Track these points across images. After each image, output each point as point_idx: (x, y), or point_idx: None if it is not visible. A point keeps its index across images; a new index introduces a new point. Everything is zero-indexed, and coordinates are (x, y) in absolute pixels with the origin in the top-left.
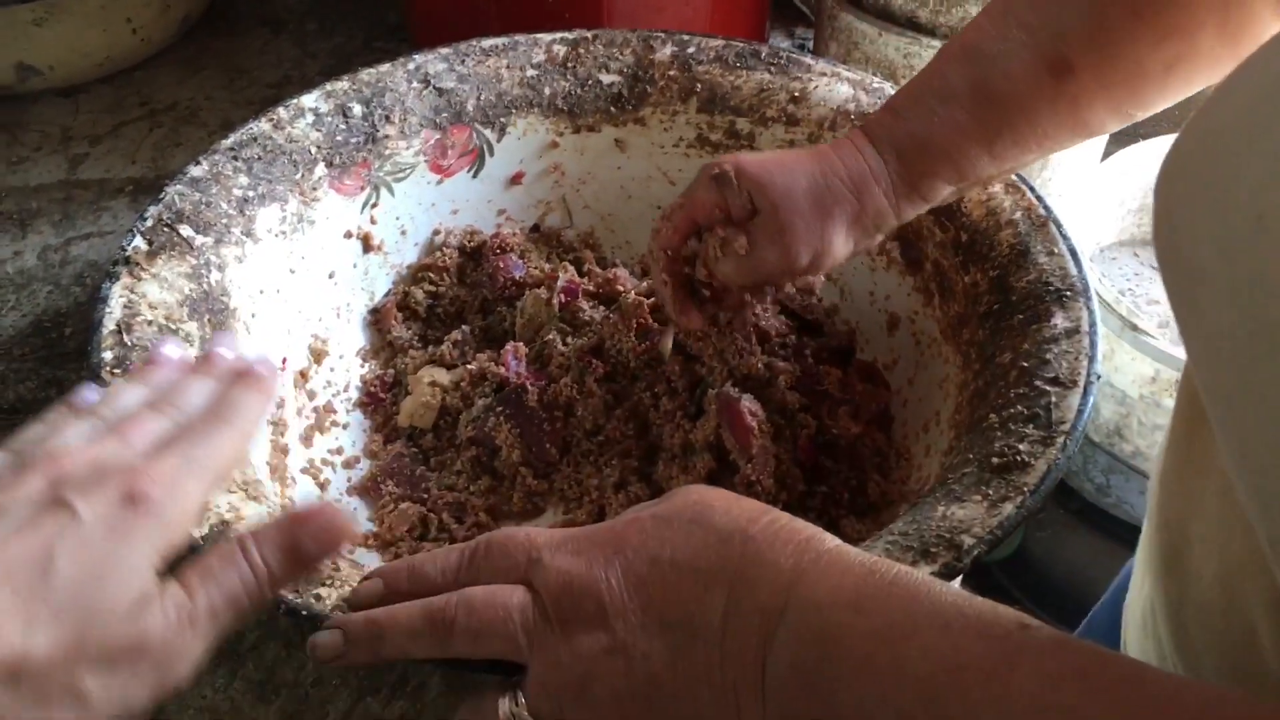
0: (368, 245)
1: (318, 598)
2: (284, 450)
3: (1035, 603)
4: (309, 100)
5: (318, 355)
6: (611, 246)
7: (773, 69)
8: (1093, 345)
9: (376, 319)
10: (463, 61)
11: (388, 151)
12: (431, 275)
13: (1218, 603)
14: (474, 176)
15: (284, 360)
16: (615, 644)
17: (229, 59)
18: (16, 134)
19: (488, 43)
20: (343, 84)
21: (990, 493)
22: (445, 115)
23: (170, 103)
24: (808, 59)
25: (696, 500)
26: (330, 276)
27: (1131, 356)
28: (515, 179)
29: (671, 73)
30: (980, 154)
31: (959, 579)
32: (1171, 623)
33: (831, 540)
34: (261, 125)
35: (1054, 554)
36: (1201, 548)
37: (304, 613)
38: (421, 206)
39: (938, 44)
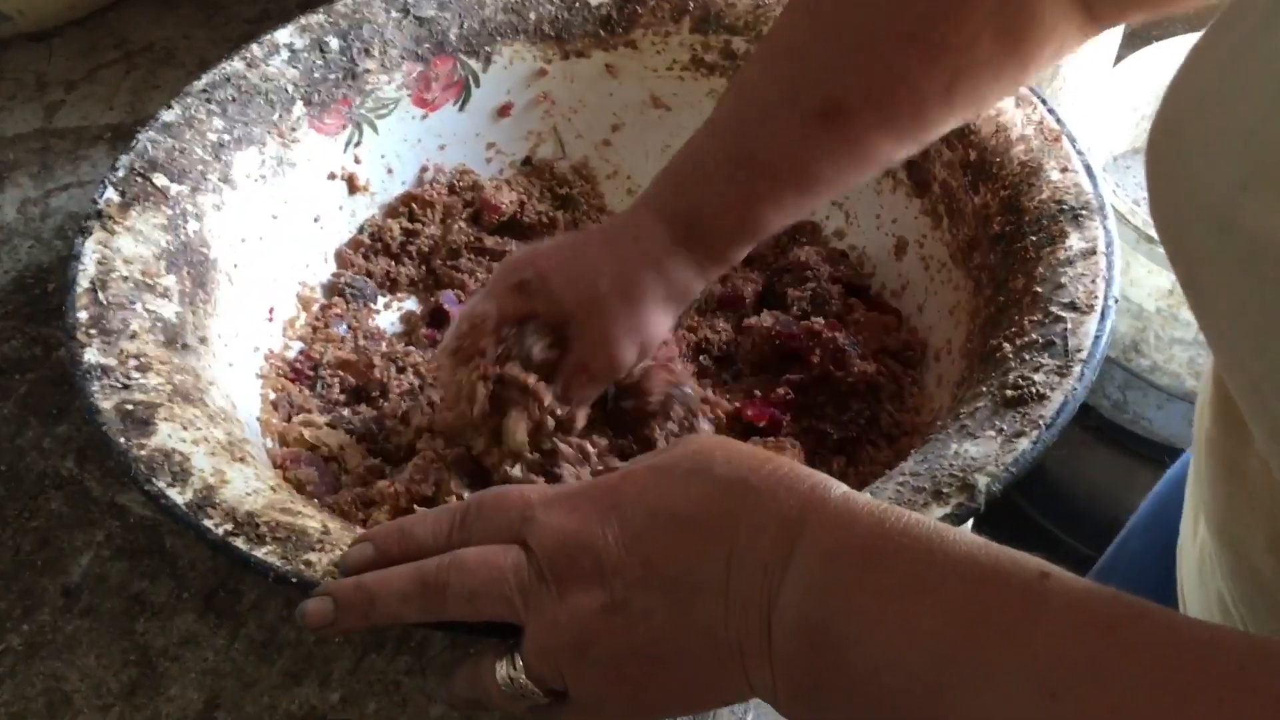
0: (353, 186)
1: (307, 564)
2: (275, 405)
3: (1053, 522)
4: (283, 36)
5: (306, 303)
6: (605, 175)
7: None
8: (1110, 266)
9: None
10: None
11: (368, 87)
12: (414, 207)
13: (1271, 566)
14: (460, 109)
15: (270, 310)
16: (613, 602)
17: None
18: None
19: None
20: (318, 17)
21: (1004, 427)
22: (427, 46)
23: (146, 43)
24: None
25: (696, 450)
26: (315, 220)
27: (1147, 269)
28: (504, 110)
29: None
30: (769, 213)
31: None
32: (1232, 579)
33: (838, 488)
34: (235, 64)
35: (1072, 472)
36: (1248, 513)
37: (294, 580)
38: (407, 143)
39: None
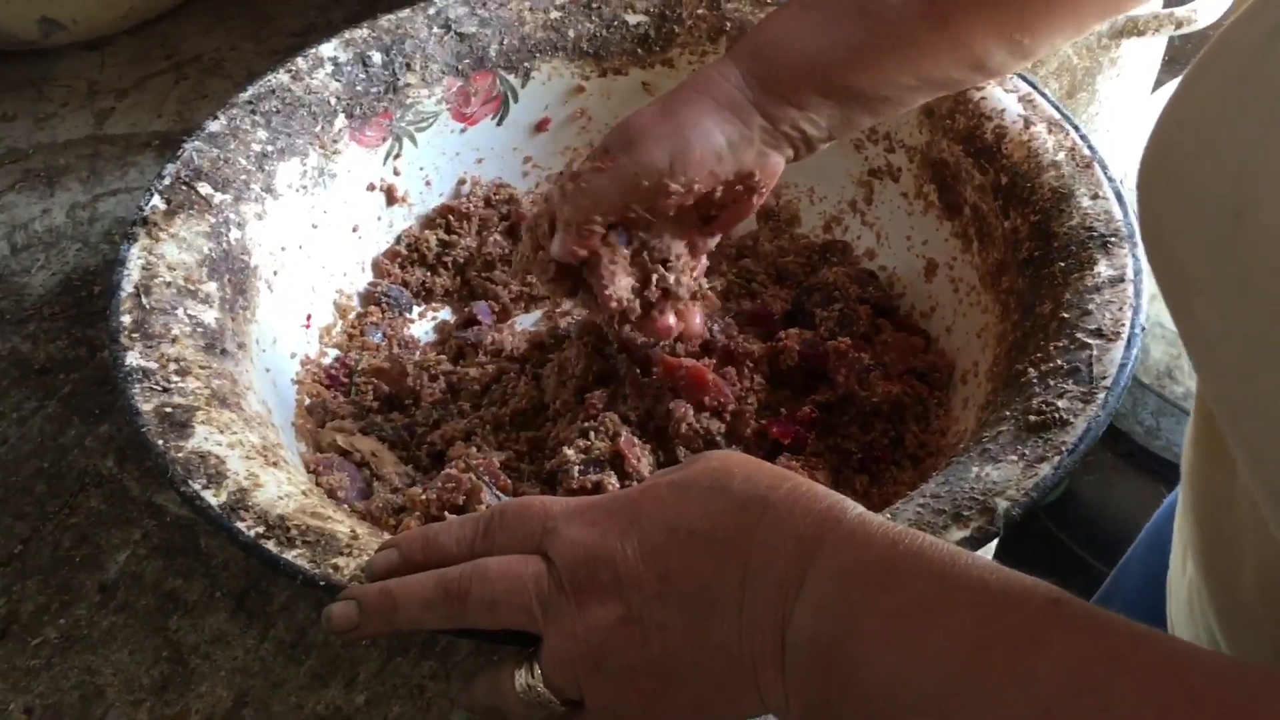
0: (391, 197)
1: (335, 568)
2: (309, 411)
3: (1082, 546)
4: (328, 49)
5: (343, 311)
6: None
7: None
8: (1137, 294)
9: (375, 267)
10: (484, 5)
11: (409, 100)
12: (451, 219)
13: (1258, 601)
14: (499, 124)
15: (308, 317)
16: (630, 615)
17: (254, 7)
18: (43, 89)
19: None
20: (362, 31)
21: (1027, 452)
22: (467, 61)
23: (195, 54)
24: None
25: (717, 467)
26: (354, 230)
27: None
28: (541, 125)
29: (700, 11)
30: (848, 66)
31: (994, 542)
32: (1220, 616)
33: (854, 509)
34: (280, 77)
35: (1102, 497)
36: (1236, 546)
37: (321, 583)
38: (445, 156)
39: None
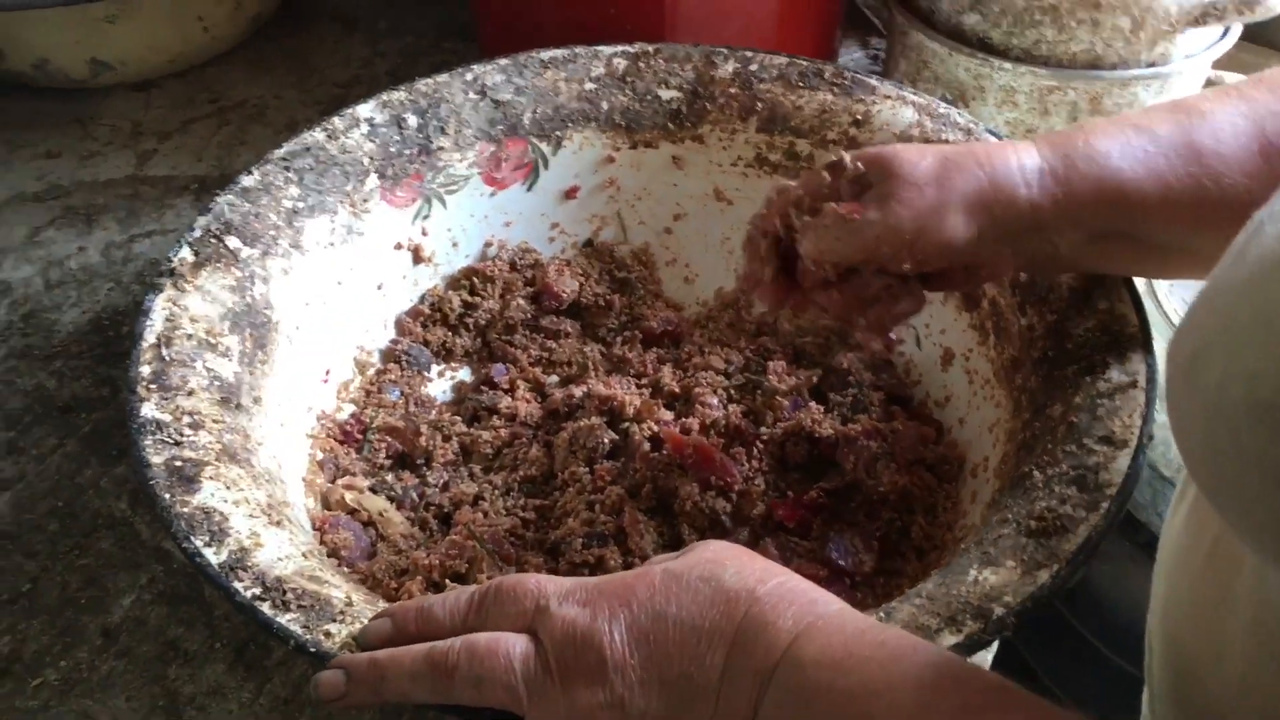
0: (418, 257)
1: (327, 634)
2: (321, 465)
3: (1100, 638)
4: (365, 110)
5: (362, 367)
6: (665, 261)
7: (836, 90)
8: (1149, 402)
9: (398, 325)
10: (521, 73)
11: (441, 163)
12: (475, 281)
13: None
14: (528, 189)
15: (327, 372)
16: (613, 699)
17: (300, 57)
18: (88, 128)
19: (547, 54)
20: (400, 94)
21: (1026, 559)
22: (501, 127)
23: (239, 100)
24: (873, 80)
25: (711, 558)
26: (379, 288)
27: None
28: (570, 193)
29: (732, 90)
30: (1153, 207)
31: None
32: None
33: (835, 604)
34: (316, 135)
35: (1118, 587)
36: (1222, 688)
37: (312, 650)
38: (474, 218)
39: (1010, 66)
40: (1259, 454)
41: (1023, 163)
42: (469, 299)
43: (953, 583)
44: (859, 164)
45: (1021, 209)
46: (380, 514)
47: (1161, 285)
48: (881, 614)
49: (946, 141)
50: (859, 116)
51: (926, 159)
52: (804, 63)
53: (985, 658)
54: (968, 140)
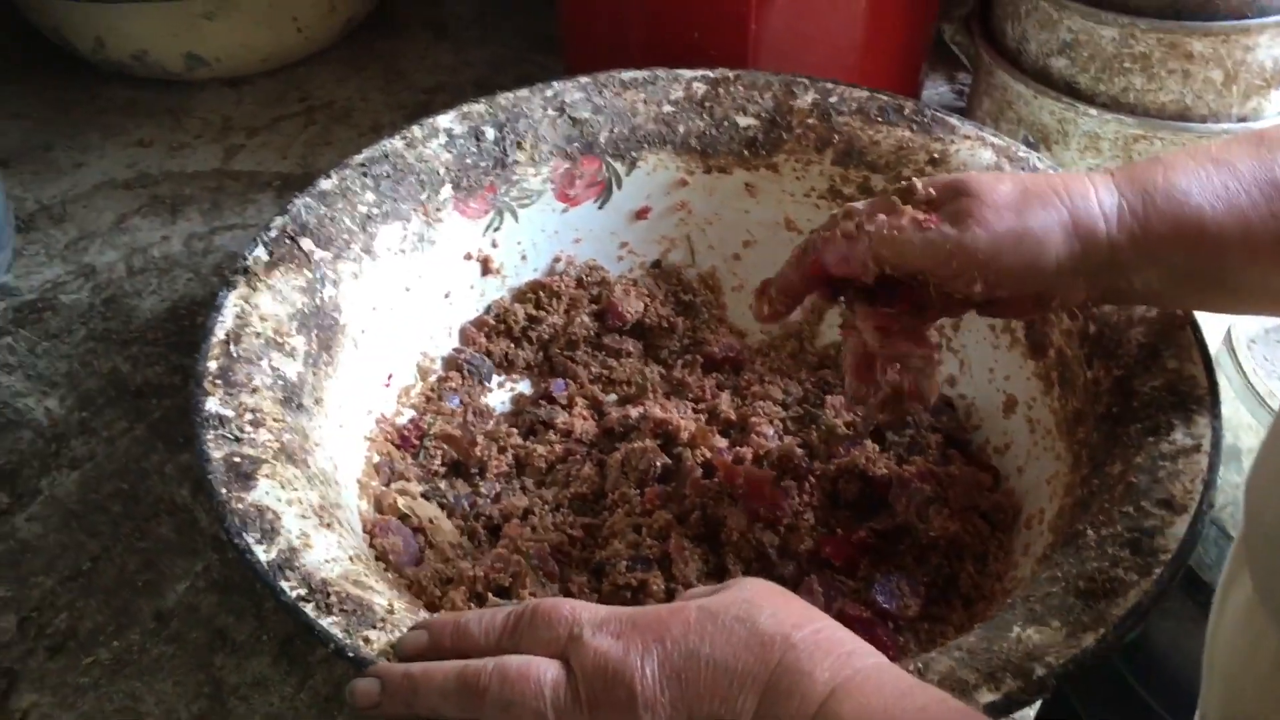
0: (486, 268)
1: (366, 640)
2: (376, 469)
3: (1153, 695)
4: (444, 121)
5: (424, 373)
6: (731, 287)
7: (915, 127)
8: (1212, 467)
9: (462, 334)
10: (600, 92)
11: (516, 177)
12: (541, 295)
13: None
14: (600, 208)
15: (389, 376)
16: None
17: (389, 61)
18: (181, 119)
19: (627, 75)
20: (479, 106)
21: (1073, 620)
22: (577, 145)
23: (328, 100)
24: (953, 120)
25: (748, 598)
26: (446, 296)
27: None
28: (641, 213)
29: (810, 121)
30: (1233, 244)
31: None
32: None
33: (873, 656)
34: (395, 143)
35: (1177, 646)
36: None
37: (350, 655)
38: (545, 233)
39: (1095, 112)
40: None
41: (1101, 198)
42: (534, 313)
43: (995, 638)
44: (931, 189)
45: (1100, 244)
46: (430, 521)
47: (1241, 341)
48: (920, 664)
49: None
50: (936, 155)
51: (1005, 184)
52: (884, 97)
53: (1029, 712)
54: None
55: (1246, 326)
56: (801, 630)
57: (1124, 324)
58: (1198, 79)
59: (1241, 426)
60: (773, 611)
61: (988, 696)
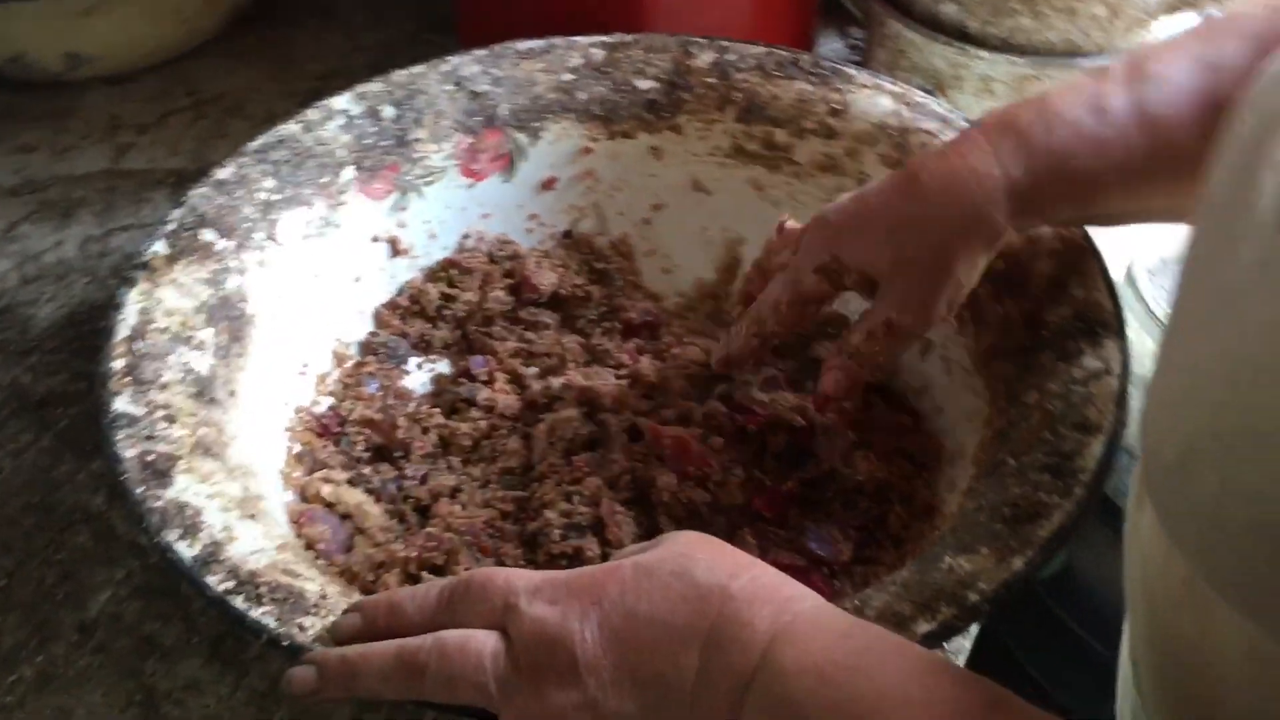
0: (395, 249)
1: (300, 627)
2: (298, 459)
3: (1080, 625)
4: (340, 102)
5: (340, 360)
6: (643, 252)
7: (813, 79)
8: (1123, 390)
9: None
10: (498, 64)
11: (418, 155)
12: (453, 273)
13: None
14: (506, 181)
15: (304, 365)
16: (585, 700)
17: (277, 50)
18: (65, 121)
19: (524, 45)
20: (375, 85)
21: (1000, 545)
22: (478, 119)
23: (217, 93)
24: (850, 70)
25: (682, 551)
26: (356, 280)
27: None
28: (548, 184)
29: (710, 80)
30: (1115, 185)
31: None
32: None
33: (811, 599)
34: (290, 127)
35: (1100, 575)
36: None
37: (284, 643)
38: (451, 210)
39: (987, 55)
40: (1267, 568)
41: (988, 191)
42: (447, 291)
43: (928, 570)
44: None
45: (1001, 230)
46: (357, 506)
47: (1141, 273)
48: (858, 602)
49: (925, 130)
50: (836, 105)
51: (907, 250)
52: (781, 52)
53: (964, 644)
54: (944, 129)
55: (1147, 258)
56: (739, 579)
57: (1030, 258)
58: (1082, 15)
59: (1146, 355)
60: (708, 563)
61: (925, 626)
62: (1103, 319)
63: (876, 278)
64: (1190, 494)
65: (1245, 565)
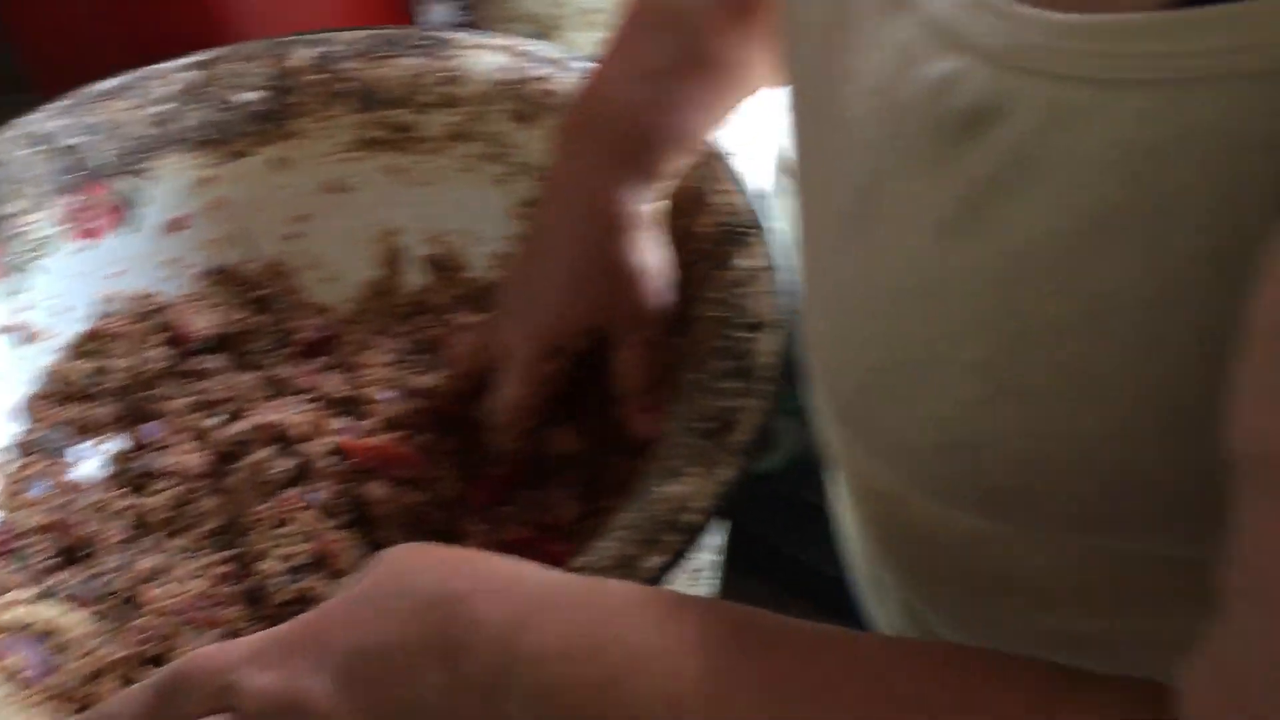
0: (27, 335)
1: None
2: None
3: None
4: None
5: None
6: (301, 268)
7: (420, 52)
8: (776, 281)
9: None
10: (81, 112)
11: (18, 230)
12: (98, 344)
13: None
14: (134, 231)
15: None
16: None
17: None
18: None
19: (106, 85)
20: None
21: (706, 460)
22: (76, 175)
23: None
24: (456, 34)
25: (396, 570)
26: None
27: None
28: (178, 224)
29: (315, 77)
30: (702, 120)
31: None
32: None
33: (536, 577)
34: None
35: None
36: None
37: None
38: (78, 278)
39: None
40: (965, 480)
41: (619, 209)
42: (97, 364)
43: (645, 506)
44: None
45: (643, 215)
46: (50, 621)
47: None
48: (595, 556)
49: (539, 77)
50: (449, 73)
51: (587, 283)
52: (385, 31)
53: (708, 558)
54: (558, 71)
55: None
56: (459, 574)
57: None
58: None
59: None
60: (425, 571)
61: (656, 559)
62: (742, 218)
63: (598, 326)
64: (875, 423)
65: (941, 476)
